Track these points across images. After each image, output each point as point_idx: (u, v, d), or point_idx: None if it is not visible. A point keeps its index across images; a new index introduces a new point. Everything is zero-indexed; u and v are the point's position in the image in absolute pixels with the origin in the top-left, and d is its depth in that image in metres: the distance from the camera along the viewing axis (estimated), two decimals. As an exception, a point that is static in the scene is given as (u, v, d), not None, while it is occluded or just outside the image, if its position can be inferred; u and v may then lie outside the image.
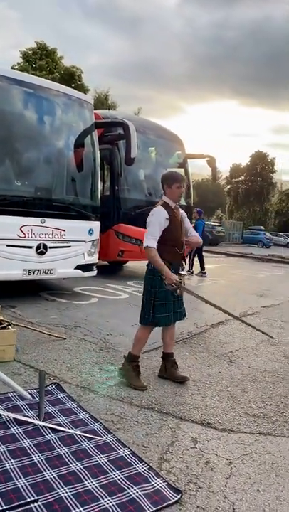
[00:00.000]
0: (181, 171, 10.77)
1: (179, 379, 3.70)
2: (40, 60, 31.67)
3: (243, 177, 50.01)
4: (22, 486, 2.10)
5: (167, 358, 3.80)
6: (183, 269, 3.73)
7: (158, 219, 3.51)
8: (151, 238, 3.46)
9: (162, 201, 3.66)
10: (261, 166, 48.13)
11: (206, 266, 11.98)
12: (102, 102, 32.66)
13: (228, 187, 52.46)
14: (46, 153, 6.64)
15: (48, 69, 31.25)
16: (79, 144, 6.94)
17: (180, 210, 3.77)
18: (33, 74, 10.26)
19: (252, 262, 19.42)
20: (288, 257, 22.10)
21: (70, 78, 30.93)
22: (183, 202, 10.76)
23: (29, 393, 3.09)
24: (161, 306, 3.54)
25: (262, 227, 40.05)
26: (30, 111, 6.37)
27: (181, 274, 3.60)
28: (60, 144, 6.83)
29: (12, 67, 25.06)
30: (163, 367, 3.83)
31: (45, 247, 6.08)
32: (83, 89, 30.27)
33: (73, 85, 27.90)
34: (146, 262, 3.64)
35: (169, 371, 3.76)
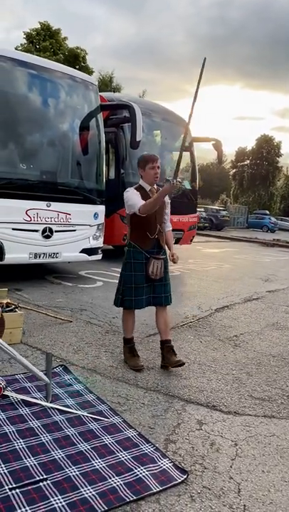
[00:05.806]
0: (187, 154, 10.68)
1: (173, 364, 3.49)
2: (44, 41, 31.17)
3: (248, 161, 49.38)
4: (31, 465, 2.14)
5: (163, 346, 3.62)
6: (160, 253, 3.56)
7: (133, 192, 3.49)
8: (138, 204, 3.42)
9: (137, 184, 3.58)
10: (267, 149, 47.48)
11: (211, 251, 11.97)
12: (106, 84, 32.26)
13: (234, 171, 51.89)
14: (51, 136, 6.60)
15: (52, 50, 30.80)
16: (84, 127, 6.90)
17: None
18: (36, 55, 10.11)
19: (257, 247, 19.38)
20: (293, 242, 22.02)
21: (75, 60, 30.48)
22: (188, 186, 10.69)
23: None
24: (129, 289, 3.51)
25: (267, 212, 39.75)
26: (36, 93, 6.31)
27: (157, 258, 3.48)
28: (66, 126, 6.78)
29: (16, 49, 24.74)
30: (162, 356, 3.64)
31: (50, 230, 6.08)
32: (88, 71, 29.85)
33: (77, 67, 27.55)
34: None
35: (165, 357, 3.57)
